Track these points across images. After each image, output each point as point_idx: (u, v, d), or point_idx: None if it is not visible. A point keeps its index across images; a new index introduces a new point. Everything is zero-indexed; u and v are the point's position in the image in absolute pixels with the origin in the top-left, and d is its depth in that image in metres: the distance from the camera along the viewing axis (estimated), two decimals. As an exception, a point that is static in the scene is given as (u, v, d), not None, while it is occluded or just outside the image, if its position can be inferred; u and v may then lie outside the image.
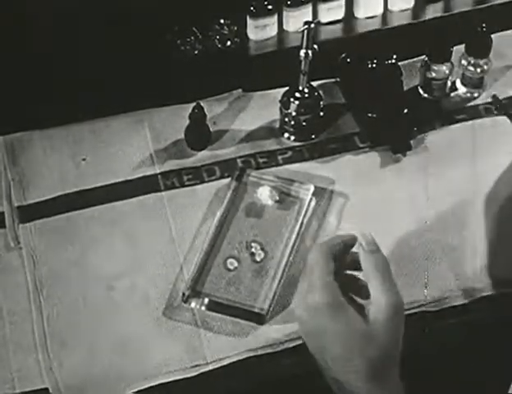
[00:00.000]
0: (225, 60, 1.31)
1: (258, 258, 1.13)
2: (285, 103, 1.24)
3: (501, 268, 1.12)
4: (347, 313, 0.90)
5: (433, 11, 1.36)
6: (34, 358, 1.07)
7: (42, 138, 1.25)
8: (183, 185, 1.21)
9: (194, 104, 1.22)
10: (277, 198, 1.18)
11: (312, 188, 1.18)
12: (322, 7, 1.32)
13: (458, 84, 1.30)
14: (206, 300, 1.09)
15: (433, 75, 1.27)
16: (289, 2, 1.30)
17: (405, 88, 1.28)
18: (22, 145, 1.24)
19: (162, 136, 1.25)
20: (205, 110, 1.22)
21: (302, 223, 1.15)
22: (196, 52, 1.31)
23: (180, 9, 1.28)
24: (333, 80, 1.30)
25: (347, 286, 0.95)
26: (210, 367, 1.06)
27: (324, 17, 1.33)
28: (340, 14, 1.34)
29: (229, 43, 1.31)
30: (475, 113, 1.27)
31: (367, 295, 0.93)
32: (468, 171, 1.21)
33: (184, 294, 1.10)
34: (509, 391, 1.02)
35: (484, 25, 1.24)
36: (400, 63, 1.27)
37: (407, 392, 0.96)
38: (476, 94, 1.29)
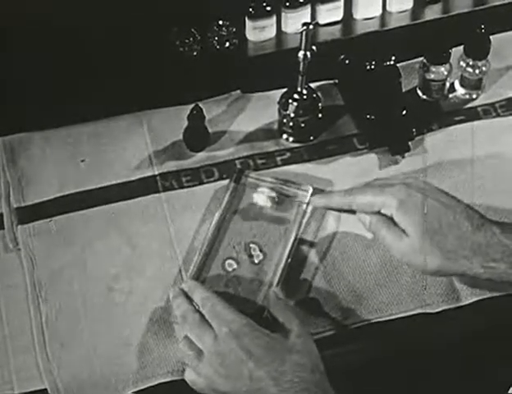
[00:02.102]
0: (223, 61, 1.31)
1: (256, 260, 1.13)
2: (283, 104, 1.24)
3: None
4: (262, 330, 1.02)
5: (432, 13, 1.36)
6: (33, 359, 1.07)
7: (41, 139, 1.25)
8: (181, 187, 1.21)
9: (192, 105, 1.22)
10: (276, 199, 1.18)
11: (310, 189, 1.18)
12: (320, 9, 1.33)
13: (456, 85, 1.30)
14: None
15: (432, 76, 1.27)
16: (287, 4, 1.30)
17: (404, 89, 1.28)
18: (21, 146, 1.24)
19: (161, 137, 1.25)
20: (204, 111, 1.22)
21: (300, 225, 1.15)
22: (195, 53, 1.31)
23: (179, 10, 1.29)
24: (332, 81, 1.30)
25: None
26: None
27: (323, 19, 1.33)
28: (338, 15, 1.34)
29: (227, 44, 1.32)
30: (474, 115, 1.27)
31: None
32: (467, 172, 1.21)
33: (182, 295, 1.10)
34: (510, 392, 1.02)
35: (483, 26, 1.24)
36: (398, 65, 1.27)
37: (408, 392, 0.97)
38: (474, 96, 1.29)
